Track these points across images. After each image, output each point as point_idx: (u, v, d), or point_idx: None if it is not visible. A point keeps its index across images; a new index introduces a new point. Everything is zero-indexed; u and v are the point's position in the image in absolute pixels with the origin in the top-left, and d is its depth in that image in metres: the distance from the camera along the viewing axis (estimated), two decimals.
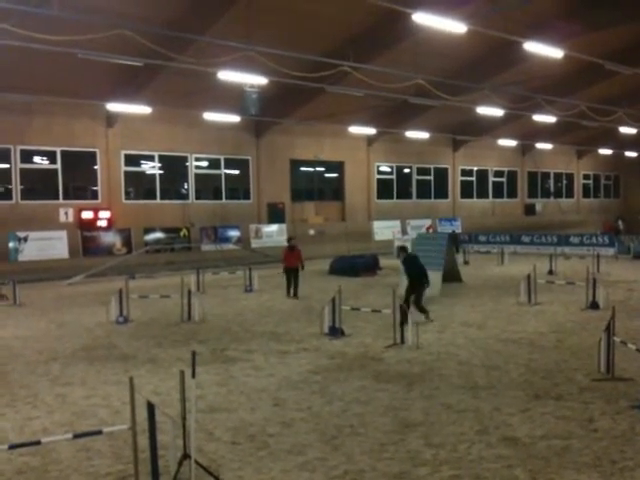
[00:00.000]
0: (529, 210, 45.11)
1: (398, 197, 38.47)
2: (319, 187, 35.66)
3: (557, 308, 14.79)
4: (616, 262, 24.58)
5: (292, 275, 17.31)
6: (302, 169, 34.35)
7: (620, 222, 37.78)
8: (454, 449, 6.47)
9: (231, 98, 24.60)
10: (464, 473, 5.89)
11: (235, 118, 27.68)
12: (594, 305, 14.31)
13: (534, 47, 19.34)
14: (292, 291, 17.22)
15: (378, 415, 7.57)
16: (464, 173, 42.27)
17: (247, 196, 31.86)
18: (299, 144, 32.65)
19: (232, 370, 9.79)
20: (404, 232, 33.54)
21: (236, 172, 31.84)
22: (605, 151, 46.54)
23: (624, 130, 36.64)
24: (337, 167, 35.57)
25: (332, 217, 34.66)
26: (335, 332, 11.99)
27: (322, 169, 35.64)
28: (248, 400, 8.27)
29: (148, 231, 27.46)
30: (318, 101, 28.01)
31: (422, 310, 13.07)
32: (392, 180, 38.49)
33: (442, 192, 41.06)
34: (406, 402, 8.05)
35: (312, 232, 31.15)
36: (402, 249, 14.04)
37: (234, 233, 29.78)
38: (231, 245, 28.49)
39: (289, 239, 19.01)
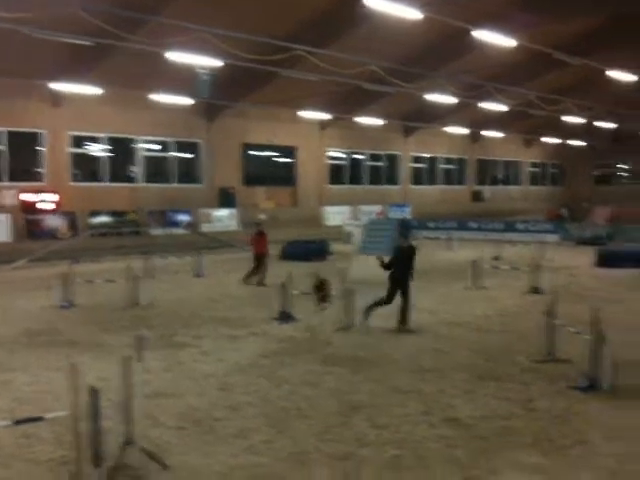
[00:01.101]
0: (477, 197, 45.90)
1: (350, 183, 38.65)
2: (271, 172, 35.52)
3: (503, 293, 15.12)
4: (560, 248, 25.24)
5: (261, 262, 16.63)
6: (254, 153, 34.15)
7: (564, 209, 38.80)
8: (398, 430, 6.58)
9: (183, 80, 24.23)
10: (406, 453, 6.00)
11: (187, 101, 27.29)
12: (537, 290, 14.69)
13: (487, 36, 19.60)
14: (257, 278, 16.50)
15: (325, 398, 7.63)
16: (415, 160, 42.71)
17: (198, 180, 31.51)
18: (251, 128, 32.42)
19: (180, 355, 9.71)
20: (355, 218, 33.71)
21: (187, 155, 31.43)
22: (552, 140, 47.63)
23: (570, 120, 37.55)
24: (289, 152, 35.49)
25: (284, 202, 34.62)
26: (285, 317, 12.01)
27: (274, 154, 35.50)
28: (195, 385, 8.22)
29: (95, 214, 26.90)
30: (272, 85, 27.84)
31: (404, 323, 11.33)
32: (344, 166, 38.61)
33: (393, 178, 41.43)
34: (353, 385, 8.13)
35: (263, 217, 31.03)
36: (403, 234, 12.55)
37: (184, 217, 29.44)
38: (181, 229, 28.16)
39: (257, 224, 18.00)
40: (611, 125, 40.83)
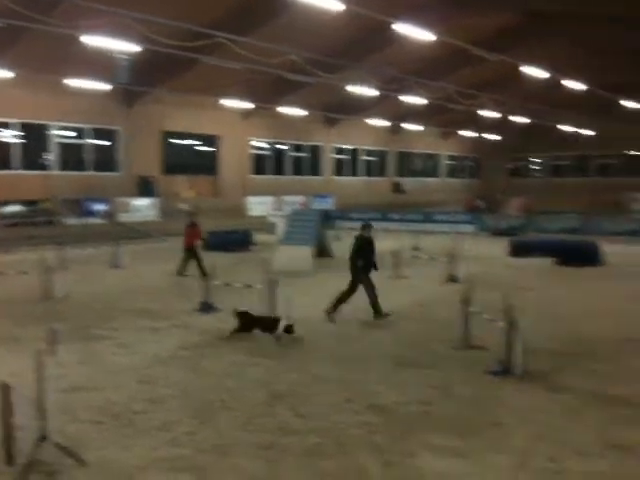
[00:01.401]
0: (398, 188, 46.77)
1: (273, 173, 38.56)
2: (192, 161, 34.93)
3: (422, 282, 15.50)
4: (476, 239, 26.07)
5: (192, 253, 16.09)
6: (175, 142, 33.48)
7: (480, 201, 40.08)
8: (321, 418, 6.65)
9: (100, 65, 23.41)
10: (328, 440, 6.07)
11: (104, 86, 26.40)
12: (454, 278, 15.14)
13: (408, 29, 19.88)
14: (182, 269, 16.05)
15: (249, 389, 7.61)
16: (338, 151, 43.03)
17: (116, 168, 30.61)
18: (172, 116, 31.74)
19: (96, 348, 9.45)
20: (278, 208, 33.65)
21: (104, 143, 30.45)
22: (468, 134, 49.02)
23: (486, 114, 38.73)
24: (212, 141, 35.00)
25: (205, 192, 34.14)
26: (207, 308, 11.88)
27: (196, 142, 34.93)
28: (113, 378, 8.02)
29: (6, 203, 25.69)
30: (193, 72, 27.33)
31: (378, 311, 11.32)
32: (267, 156, 38.47)
33: (316, 169, 41.62)
34: (277, 375, 8.15)
35: (184, 207, 30.49)
36: (367, 226, 11.91)
37: (101, 207, 28.53)
38: (98, 219, 27.31)
39: (190, 214, 17.28)
40: (524, 120, 42.40)
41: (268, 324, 9.78)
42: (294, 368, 8.43)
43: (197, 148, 35.36)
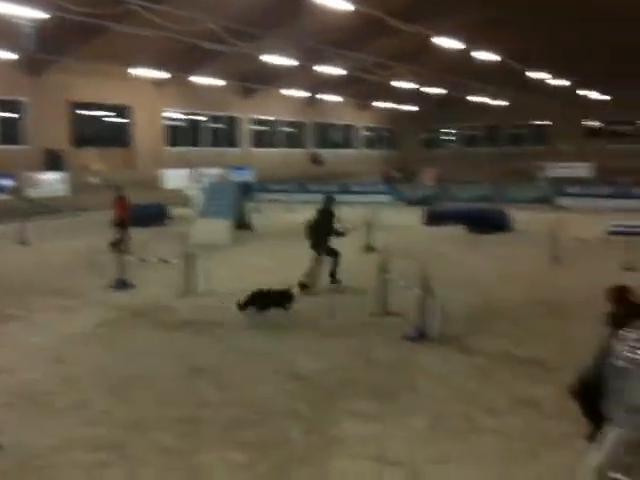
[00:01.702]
0: (316, 160, 46.87)
1: (189, 145, 37.75)
2: (103, 132, 33.70)
3: (342, 251, 15.63)
4: (392, 208, 26.54)
5: (123, 226, 15.59)
6: (85, 113, 32.16)
7: (396, 172, 40.75)
8: (242, 389, 6.66)
9: (4, 33, 22.06)
10: (250, 412, 6.09)
11: (9, 55, 24.95)
12: (372, 248, 15.38)
13: None
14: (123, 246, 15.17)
15: (167, 364, 7.52)
16: (255, 122, 42.57)
17: (22, 141, 29.14)
18: (81, 86, 30.38)
19: (8, 329, 9.07)
20: (196, 181, 33.05)
21: (9, 115, 28.90)
22: (385, 105, 49.51)
23: (402, 85, 39.18)
24: (123, 112, 33.83)
25: (118, 165, 33.03)
26: (122, 284, 11.59)
27: (107, 113, 33.68)
28: (27, 359, 7.74)
29: None
30: (103, 40, 26.19)
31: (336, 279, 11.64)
32: (183, 127, 37.61)
33: (234, 141, 41.06)
34: (196, 349, 8.08)
35: (96, 180, 29.50)
36: (331, 199, 12.04)
37: (8, 182, 27.17)
38: (4, 195, 26.01)
39: (118, 188, 16.51)
40: (439, 91, 43.16)
41: (283, 299, 9.39)
42: (214, 342, 8.38)
43: (108, 119, 34.12)
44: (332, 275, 11.65)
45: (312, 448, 5.38)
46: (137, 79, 31.60)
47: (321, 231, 11.51)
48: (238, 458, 5.19)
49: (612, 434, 4.10)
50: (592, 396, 4.40)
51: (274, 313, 9.08)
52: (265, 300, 9.16)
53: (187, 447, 5.41)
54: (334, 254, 11.67)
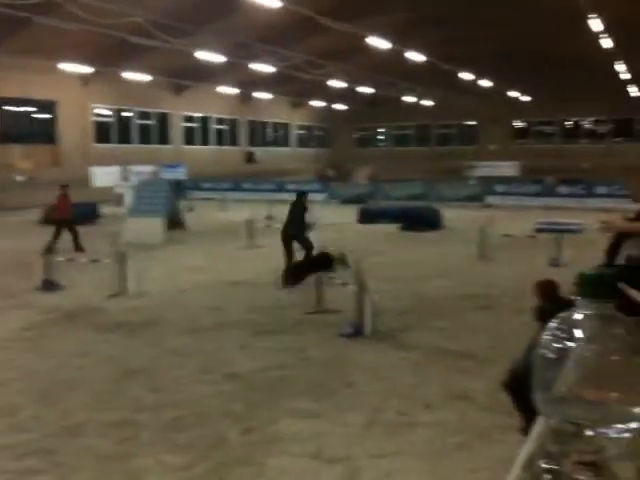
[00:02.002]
0: (250, 158, 46.62)
1: (119, 142, 36.85)
2: (28, 129, 32.49)
3: (276, 251, 15.57)
4: (327, 207, 26.69)
5: (68, 225, 15.30)
6: (7, 108, 30.93)
7: (330, 170, 41.01)
8: (178, 391, 6.55)
9: None
10: (187, 413, 6.00)
11: None
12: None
13: None
14: (74, 245, 15.21)
15: (99, 367, 7.32)
16: (187, 119, 41.96)
17: None
18: (4, 80, 29.19)
19: None
20: (126, 179, 32.31)
21: None
22: (318, 103, 49.72)
23: (334, 84, 39.42)
24: (49, 107, 32.70)
25: (44, 162, 31.94)
26: (50, 286, 11.21)
27: (31, 109, 32.50)
28: None
29: None
30: (26, 33, 25.23)
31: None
32: (112, 123, 36.69)
33: (165, 138, 40.34)
34: (129, 351, 7.91)
35: (20, 178, 28.43)
36: (303, 194, 13.09)
37: None
38: None
39: (62, 186, 16.17)
40: (370, 90, 43.65)
41: (322, 263, 9.64)
42: (148, 343, 8.22)
43: (33, 115, 32.94)
44: (296, 267, 11.73)
45: (250, 448, 5.35)
46: (64, 74, 30.63)
47: (297, 223, 12.23)
48: (175, 461, 5.11)
49: (541, 425, 4.24)
50: (523, 388, 4.55)
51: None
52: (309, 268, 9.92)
53: (122, 452, 5.29)
54: (308, 247, 12.23)
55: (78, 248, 15.22)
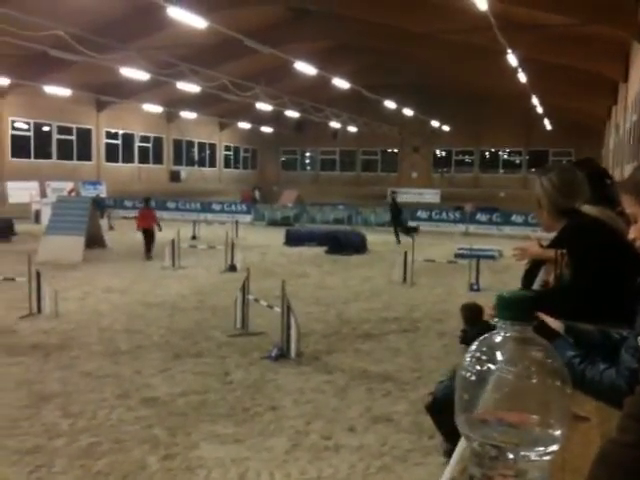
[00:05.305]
0: (174, 177, 45.96)
1: (36, 157, 35.56)
2: None
3: (199, 271, 15.41)
4: (253, 228, 26.59)
5: (149, 236, 17.41)
6: None
7: (256, 192, 40.94)
8: (93, 416, 6.30)
9: None
10: (103, 439, 5.77)
11: None
12: (232, 267, 15.29)
13: (178, 14, 19.44)
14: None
15: (10, 391, 6.96)
16: (109, 136, 41.01)
17: None
18: None
19: None
20: (43, 195, 31.17)
21: None
22: (244, 125, 49.68)
23: (261, 106, 39.52)
24: None
25: None
26: None
27: None
28: None
29: None
30: None
31: None
32: (29, 137, 35.39)
33: (86, 154, 39.24)
34: (42, 374, 7.56)
35: None
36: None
37: None
38: None
39: (145, 199, 19.39)
40: (296, 114, 44.01)
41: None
42: (61, 366, 7.88)
43: None
44: None
45: (170, 474, 5.19)
46: None
47: None
48: None
49: (463, 447, 4.32)
50: (446, 411, 4.63)
51: None
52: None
53: None
54: None
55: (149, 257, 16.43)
